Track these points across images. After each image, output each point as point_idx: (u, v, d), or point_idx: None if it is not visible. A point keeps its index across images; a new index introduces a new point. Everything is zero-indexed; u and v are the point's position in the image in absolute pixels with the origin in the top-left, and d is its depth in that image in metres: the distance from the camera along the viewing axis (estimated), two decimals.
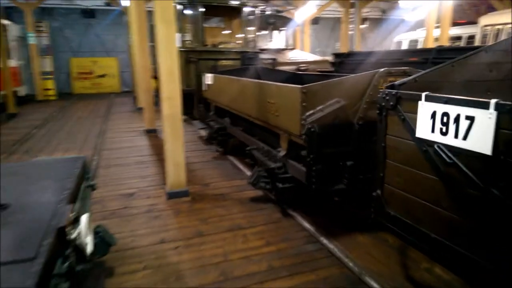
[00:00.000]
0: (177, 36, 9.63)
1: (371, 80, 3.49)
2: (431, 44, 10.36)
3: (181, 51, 9.38)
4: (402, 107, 2.02)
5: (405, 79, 2.20)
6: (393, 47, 18.09)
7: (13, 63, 14.08)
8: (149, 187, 5.23)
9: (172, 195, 4.72)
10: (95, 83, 19.59)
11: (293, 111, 3.51)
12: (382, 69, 3.48)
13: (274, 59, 8.85)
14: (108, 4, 18.59)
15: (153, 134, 8.67)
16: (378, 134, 2.33)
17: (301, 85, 3.47)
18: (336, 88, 3.44)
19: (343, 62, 9.61)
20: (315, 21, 20.00)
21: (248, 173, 5.62)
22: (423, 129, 1.88)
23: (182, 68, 9.52)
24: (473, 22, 17.72)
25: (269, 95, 4.13)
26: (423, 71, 2.23)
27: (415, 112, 1.93)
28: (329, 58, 14.41)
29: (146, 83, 8.59)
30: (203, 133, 8.27)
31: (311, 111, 3.38)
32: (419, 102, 1.89)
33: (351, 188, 3.40)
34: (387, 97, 2.14)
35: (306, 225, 3.85)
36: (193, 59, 8.94)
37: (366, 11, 21.78)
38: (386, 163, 2.22)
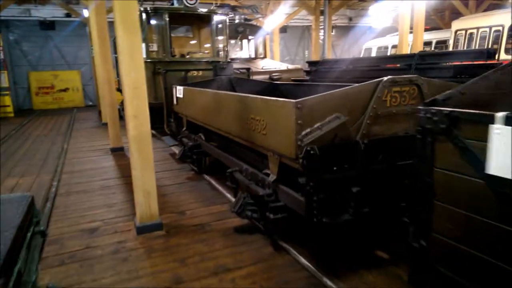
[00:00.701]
0: (142, 46, 8.91)
1: (374, 91, 2.95)
2: (406, 50, 10.10)
3: (147, 62, 8.66)
4: (461, 131, 1.47)
5: (449, 92, 1.65)
6: (362, 54, 17.98)
7: None
8: (116, 219, 4.48)
9: (143, 230, 4.00)
10: (56, 97, 18.36)
11: (286, 130, 2.91)
12: (386, 78, 2.95)
13: (248, 69, 8.29)
14: (68, 15, 17.49)
15: (119, 152, 7.86)
16: (419, 165, 1.76)
17: (279, 95, 2.91)
18: (335, 101, 2.87)
19: (318, 70, 9.16)
20: (283, 29, 19.66)
21: (229, 195, 4.97)
22: (501, 164, 1.32)
23: (149, 80, 8.82)
24: (438, 28, 17.90)
25: (253, 111, 3.51)
26: (470, 81, 1.69)
27: (483, 139, 1.38)
28: (302, 66, 14.06)
29: (110, 97, 7.79)
30: (175, 150, 7.54)
31: (307, 130, 2.79)
32: (493, 126, 1.34)
33: (359, 218, 2.83)
34: (435, 117, 1.58)
35: (304, 261, 3.24)
36: (161, 71, 8.21)
37: (334, 19, 21.71)
38: (435, 205, 1.65)
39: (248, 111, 3.64)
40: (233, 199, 4.37)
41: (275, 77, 11.64)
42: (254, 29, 14.19)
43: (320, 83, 6.34)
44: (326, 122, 2.82)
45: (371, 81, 2.96)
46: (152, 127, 8.92)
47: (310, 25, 22.27)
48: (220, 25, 9.50)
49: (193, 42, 10.85)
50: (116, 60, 14.77)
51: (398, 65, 6.64)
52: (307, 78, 9.86)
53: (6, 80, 15.23)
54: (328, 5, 13.55)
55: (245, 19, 14.85)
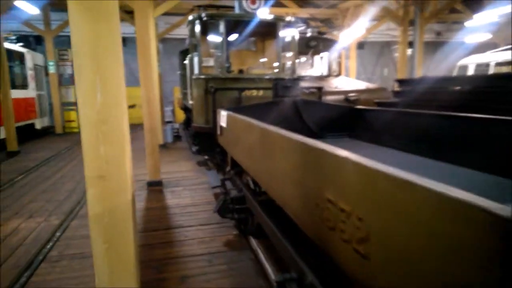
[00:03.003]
0: (195, 60, 7.31)
1: None
2: None
3: (199, 79, 7.05)
4: None
5: None
6: (456, 72, 15.04)
7: (28, 93, 12.41)
8: None
9: None
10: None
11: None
12: None
13: (320, 88, 6.31)
14: None
15: (156, 188, 6.23)
16: None
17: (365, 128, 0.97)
18: None
19: (413, 90, 6.86)
20: (360, 45, 17.38)
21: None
22: None
23: (201, 100, 7.18)
24: None
25: (335, 186, 1.52)
26: None
27: None
28: (379, 85, 11.70)
29: (150, 120, 6.23)
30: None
31: None
32: None
33: None
34: None
35: None
36: (212, 89, 6.54)
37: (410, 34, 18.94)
38: None
39: (322, 183, 1.65)
40: None
41: (351, 98, 9.49)
42: (328, 44, 12.14)
43: (425, 111, 4.18)
44: None
45: None
46: (202, 150, 7.02)
47: (391, 41, 19.69)
48: (288, 36, 7.64)
49: (256, 57, 9.10)
50: (182, 78, 13.66)
51: None
52: (396, 100, 7.58)
53: (72, 95, 14.79)
54: (420, 15, 11.14)
55: (318, 33, 12.89)
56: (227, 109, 4.76)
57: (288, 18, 7.32)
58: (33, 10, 12.35)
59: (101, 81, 1.96)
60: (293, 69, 7.47)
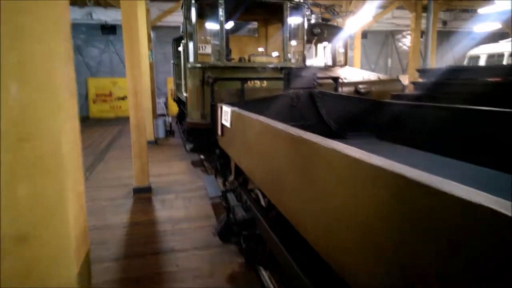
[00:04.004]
0: (190, 47, 6.34)
1: None
2: None
3: (195, 68, 6.11)
4: None
5: None
6: (466, 62, 14.17)
7: None
8: None
9: None
10: (114, 106, 16.74)
11: None
12: None
13: (336, 79, 5.38)
14: None
15: (144, 195, 5.30)
16: None
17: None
18: None
19: (439, 83, 5.96)
20: (363, 34, 16.40)
21: None
22: None
23: (196, 92, 6.24)
24: None
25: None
26: None
27: None
28: (403, 76, 10.83)
29: (136, 115, 5.28)
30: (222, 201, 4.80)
31: None
32: None
33: None
34: None
35: None
36: (210, 80, 5.59)
37: (423, 22, 18.03)
38: None
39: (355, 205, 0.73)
40: None
41: (362, 90, 8.57)
42: (333, 31, 11.15)
43: (474, 106, 3.32)
44: None
45: None
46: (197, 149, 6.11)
47: (395, 30, 18.74)
48: (295, 20, 6.70)
49: (258, 44, 8.13)
50: (175, 67, 12.64)
51: None
52: (418, 93, 6.68)
53: None
54: (434, 1, 10.20)
55: (322, 19, 11.92)
56: (231, 104, 3.83)
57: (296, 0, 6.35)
58: None
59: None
60: (302, 57, 6.53)
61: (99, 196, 5.36)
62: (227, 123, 3.38)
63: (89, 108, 16.63)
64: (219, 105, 3.92)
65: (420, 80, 6.85)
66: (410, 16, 18.39)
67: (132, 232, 4.09)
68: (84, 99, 16.67)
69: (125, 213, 4.66)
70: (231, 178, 3.79)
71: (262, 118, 2.51)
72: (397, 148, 3.87)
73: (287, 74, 4.30)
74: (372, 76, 9.58)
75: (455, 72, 6.29)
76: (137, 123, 5.27)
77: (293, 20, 6.66)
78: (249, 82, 5.79)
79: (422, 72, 6.93)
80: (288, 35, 6.36)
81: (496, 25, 15.90)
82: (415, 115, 3.96)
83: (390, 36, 18.99)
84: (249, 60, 6.73)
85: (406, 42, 19.56)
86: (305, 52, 7.02)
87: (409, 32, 19.17)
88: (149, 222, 4.34)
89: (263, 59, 6.82)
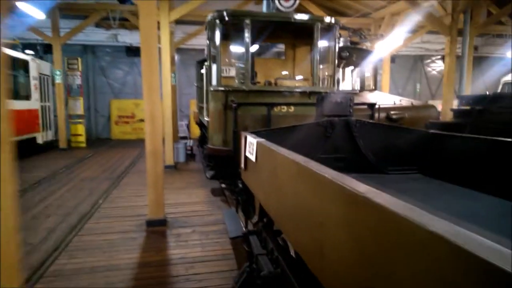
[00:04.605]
0: (213, 68, 5.98)
1: None
2: None
3: (218, 91, 5.72)
4: None
5: None
6: (500, 89, 13.39)
7: (31, 104, 11.32)
8: None
9: None
10: (136, 127, 16.61)
11: None
12: None
13: (373, 105, 4.88)
14: None
15: (158, 229, 4.82)
16: None
17: None
18: None
19: (488, 110, 5.34)
20: (391, 59, 15.84)
21: None
22: None
23: (219, 116, 5.82)
24: None
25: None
26: None
27: None
28: (432, 102, 10.19)
29: (153, 141, 4.87)
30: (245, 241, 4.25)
31: None
32: None
33: None
34: None
35: None
36: (233, 104, 5.17)
37: (442, 49, 17.37)
38: None
39: None
40: None
41: (395, 116, 7.98)
42: (363, 55, 10.67)
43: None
44: None
45: None
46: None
47: (424, 54, 18.13)
48: (326, 42, 6.27)
49: (285, 67, 7.71)
50: (198, 90, 12.38)
51: None
52: (460, 121, 6.06)
53: (81, 108, 13.68)
54: (471, 24, 9.62)
55: (351, 42, 11.49)
56: (256, 132, 3.36)
57: (327, 19, 5.94)
58: (39, 15, 11.35)
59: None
60: (334, 80, 6.06)
61: (110, 228, 4.92)
62: (252, 157, 2.89)
63: (111, 130, 16.56)
64: (242, 133, 3.45)
65: (460, 107, 6.25)
66: (439, 41, 17.83)
67: (141, 275, 3.58)
68: (106, 120, 16.65)
69: (136, 250, 4.18)
70: (255, 218, 3.27)
71: (295, 157, 2.01)
72: (447, 188, 3.29)
73: (320, 99, 3.81)
74: (404, 101, 8.99)
75: (499, 99, 5.67)
76: (153, 150, 4.86)
77: (323, 42, 6.23)
78: (275, 107, 5.34)
79: (462, 98, 6.32)
80: (318, 57, 5.92)
81: None
82: (467, 149, 3.39)
83: (418, 60, 18.36)
84: (275, 84, 6.31)
85: (435, 67, 18.88)
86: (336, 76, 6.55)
87: (438, 56, 18.54)
88: (160, 263, 3.84)
89: (291, 83, 6.39)
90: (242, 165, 3.37)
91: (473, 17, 9.96)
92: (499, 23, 13.72)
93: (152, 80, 4.90)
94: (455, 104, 10.27)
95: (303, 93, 5.81)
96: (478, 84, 18.24)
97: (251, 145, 2.98)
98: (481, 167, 3.19)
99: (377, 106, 5.58)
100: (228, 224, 4.25)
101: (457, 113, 5.84)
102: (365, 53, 10.80)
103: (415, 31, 13.00)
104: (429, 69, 18.88)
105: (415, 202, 1.16)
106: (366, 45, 13.36)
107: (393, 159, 3.79)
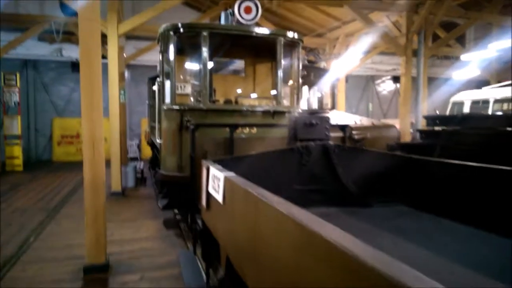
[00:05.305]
0: (167, 85, 5.28)
1: None
2: None
3: (172, 110, 5.00)
4: None
5: None
6: (449, 109, 13.76)
7: None
8: None
9: None
10: (81, 148, 15.18)
11: None
12: None
13: (344, 127, 4.40)
14: (104, 57, 14.75)
15: (98, 276, 3.94)
16: None
17: None
18: None
19: (453, 132, 5.07)
20: (345, 78, 15.92)
21: None
22: None
23: (173, 138, 5.08)
24: None
25: None
26: None
27: None
28: (395, 121, 10.04)
29: (92, 170, 4.04)
30: None
31: None
32: None
33: None
34: None
35: None
36: (189, 125, 4.48)
37: (396, 69, 17.90)
38: None
39: None
40: None
41: (356, 136, 7.64)
42: (320, 74, 10.44)
43: None
44: None
45: None
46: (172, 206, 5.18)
47: (375, 75, 18.51)
48: (288, 58, 5.80)
49: (245, 84, 7.13)
50: (150, 109, 11.48)
51: None
52: (427, 142, 5.78)
53: (18, 127, 12.22)
54: (425, 45, 9.69)
55: (308, 61, 11.25)
56: (220, 161, 2.70)
57: (290, 34, 5.48)
58: None
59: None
60: (297, 99, 5.57)
61: (39, 277, 3.97)
62: (218, 196, 2.22)
63: (53, 151, 15.05)
64: (204, 162, 2.78)
65: (427, 127, 6.01)
66: (389, 62, 18.33)
67: None
68: (48, 141, 15.13)
69: None
70: (221, 273, 2.58)
71: (292, 210, 1.39)
72: (437, 222, 2.83)
73: (294, 121, 3.23)
74: (364, 120, 8.73)
75: (469, 120, 5.47)
76: (93, 179, 4.03)
77: (286, 58, 5.75)
78: (238, 128, 4.71)
79: (429, 118, 6.08)
80: (281, 74, 5.41)
81: (475, 72, 15.80)
82: (453, 175, 2.95)
83: (370, 80, 18.70)
84: (236, 102, 5.71)
85: (385, 87, 19.34)
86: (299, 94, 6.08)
87: (388, 77, 19.02)
88: None
89: (253, 101, 5.83)
90: (204, 202, 2.68)
91: (426, 38, 10.07)
92: (446, 45, 14.24)
93: (93, 97, 4.13)
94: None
95: (266, 113, 5.25)
96: (427, 104, 18.85)
97: (216, 179, 2.32)
98: (469, 198, 2.77)
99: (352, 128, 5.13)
100: (184, 270, 3.49)
101: (424, 133, 5.55)
102: (322, 71, 10.56)
103: (368, 52, 13.08)
104: (380, 89, 19.29)
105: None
106: (323, 64, 13.25)
107: (375, 188, 3.28)
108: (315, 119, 3.27)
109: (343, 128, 4.49)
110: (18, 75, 12.39)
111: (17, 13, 12.12)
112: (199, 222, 3.19)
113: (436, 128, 5.62)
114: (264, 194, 1.63)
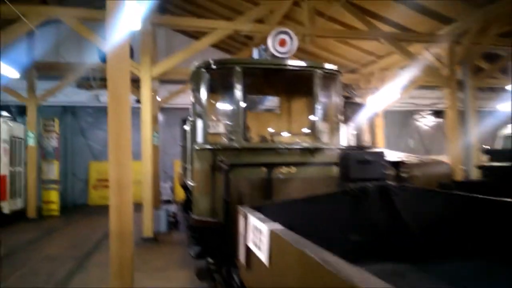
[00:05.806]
0: (199, 124, 4.96)
1: None
2: None
3: (204, 150, 4.66)
4: None
5: None
6: (499, 142, 12.73)
7: None
8: None
9: None
10: None
11: None
12: None
13: (397, 163, 3.87)
14: (138, 101, 15.03)
15: None
16: None
17: None
18: None
19: None
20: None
21: None
22: None
23: (206, 180, 4.69)
24: None
25: None
26: None
27: None
28: (441, 158, 9.32)
29: (120, 218, 3.68)
30: None
31: None
32: None
33: None
34: None
35: None
36: (222, 165, 4.08)
37: (435, 103, 17.12)
38: None
39: None
40: None
41: (404, 174, 6.96)
42: (356, 108, 9.95)
43: None
44: None
45: None
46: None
47: (415, 110, 17.79)
48: (328, 90, 5.39)
49: (279, 121, 6.74)
50: (183, 150, 11.33)
51: None
52: (484, 180, 5.09)
53: (56, 172, 12.36)
54: (470, 76, 9.08)
55: (344, 97, 10.82)
56: (260, 208, 2.24)
57: (328, 66, 5.12)
58: (14, 74, 10.48)
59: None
60: (338, 136, 5.10)
61: None
62: (261, 254, 1.74)
63: (89, 195, 15.13)
64: (241, 209, 2.33)
65: (490, 163, 5.32)
66: (427, 96, 17.57)
67: None
68: (84, 185, 15.26)
69: None
70: None
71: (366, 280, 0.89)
72: None
73: (345, 158, 2.75)
74: (411, 157, 8.04)
75: None
76: (119, 228, 3.65)
77: (324, 92, 5.35)
78: (276, 168, 4.26)
79: (493, 153, 5.40)
80: (320, 108, 4.99)
81: None
82: None
83: (409, 116, 17.95)
84: (272, 140, 5.31)
85: (426, 122, 18.49)
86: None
87: (429, 112, 18.18)
88: None
89: (290, 138, 5.41)
90: (242, 259, 2.20)
91: (470, 70, 9.45)
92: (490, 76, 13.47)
93: (121, 139, 3.83)
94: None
95: (305, 150, 4.78)
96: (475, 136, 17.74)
97: (257, 232, 1.85)
98: None
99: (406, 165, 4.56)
100: None
101: (488, 170, 4.86)
102: (357, 107, 10.05)
103: (406, 86, 12.55)
104: (421, 124, 18.47)
105: None
106: (358, 99, 12.78)
107: (452, 238, 2.68)
108: (369, 156, 2.77)
109: (395, 164, 3.94)
110: (57, 121, 12.71)
111: (54, 61, 12.67)
112: (236, 279, 2.69)
113: (501, 163, 4.93)
114: (330, 260, 1.14)
